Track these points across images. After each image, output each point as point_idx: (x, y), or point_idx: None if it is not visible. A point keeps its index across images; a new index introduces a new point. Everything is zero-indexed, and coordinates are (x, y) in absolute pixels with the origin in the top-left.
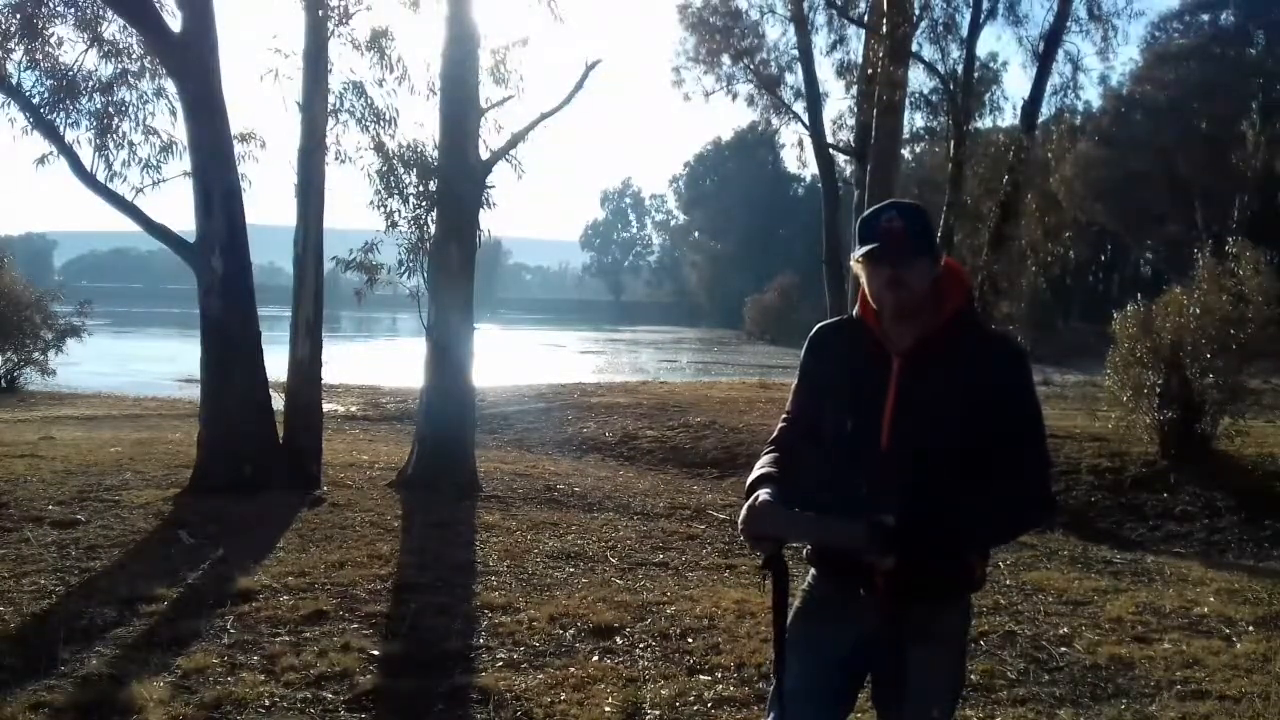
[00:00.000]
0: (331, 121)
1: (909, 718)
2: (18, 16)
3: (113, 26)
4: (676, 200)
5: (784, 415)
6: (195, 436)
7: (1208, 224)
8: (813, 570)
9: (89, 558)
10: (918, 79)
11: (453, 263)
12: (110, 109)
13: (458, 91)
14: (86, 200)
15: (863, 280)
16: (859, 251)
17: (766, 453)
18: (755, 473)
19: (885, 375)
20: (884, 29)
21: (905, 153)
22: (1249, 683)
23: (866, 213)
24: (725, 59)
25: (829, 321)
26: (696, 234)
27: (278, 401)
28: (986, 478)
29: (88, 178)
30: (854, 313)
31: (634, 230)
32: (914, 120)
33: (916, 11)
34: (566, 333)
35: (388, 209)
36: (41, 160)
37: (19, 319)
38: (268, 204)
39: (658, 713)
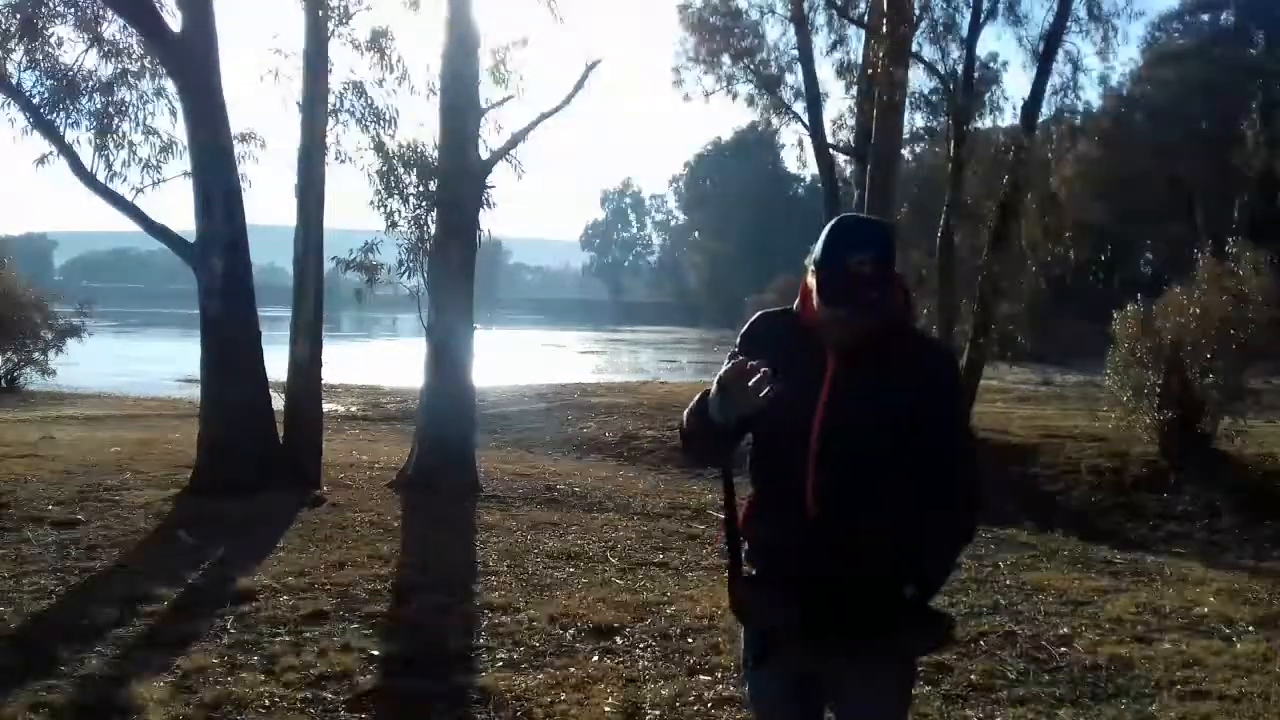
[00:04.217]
0: (331, 121)
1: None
2: (18, 16)
3: (113, 26)
4: (677, 200)
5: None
6: (195, 437)
7: (1208, 224)
8: (742, 630)
9: (89, 558)
10: (918, 79)
11: (453, 263)
12: (110, 109)
13: (458, 91)
14: (86, 200)
15: (811, 282)
16: (820, 292)
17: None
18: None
19: (820, 372)
20: (884, 29)
21: (905, 153)
22: (1249, 683)
23: (836, 233)
24: (725, 59)
25: (770, 310)
26: (697, 234)
27: (278, 401)
28: (909, 482)
29: (88, 178)
30: (794, 306)
31: (634, 230)
32: (914, 120)
33: (916, 12)
34: (566, 333)
35: (388, 209)
36: (41, 160)
37: (19, 319)
38: (268, 204)
39: (658, 713)
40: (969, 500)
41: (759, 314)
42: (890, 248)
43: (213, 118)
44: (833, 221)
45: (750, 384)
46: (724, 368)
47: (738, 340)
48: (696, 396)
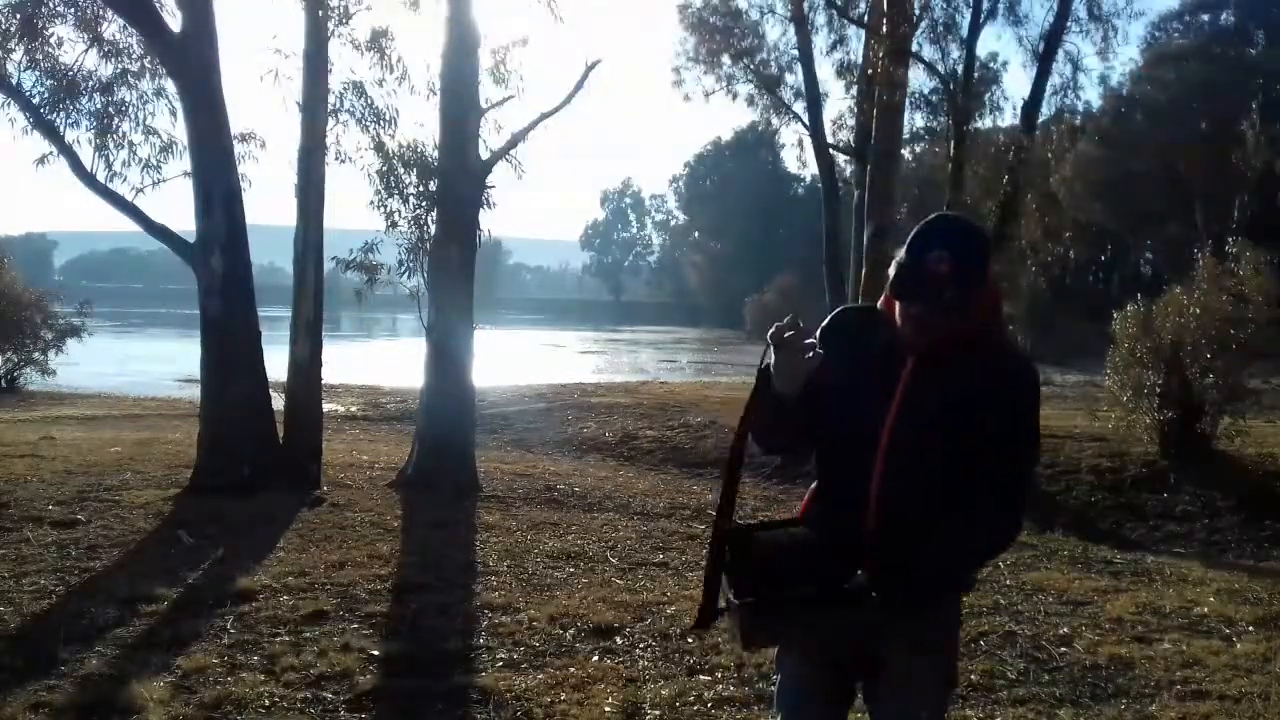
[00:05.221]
0: (331, 121)
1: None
2: (18, 16)
3: (113, 26)
4: (676, 200)
5: None
6: (195, 436)
7: (1208, 224)
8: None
9: (89, 558)
10: (918, 79)
11: (453, 263)
12: (110, 109)
13: (458, 92)
14: (86, 200)
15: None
16: (893, 285)
17: None
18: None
19: (897, 373)
20: (884, 29)
21: (905, 153)
22: (1249, 683)
23: (923, 228)
24: (725, 59)
25: (854, 305)
26: (696, 234)
27: (278, 401)
28: (966, 494)
29: (88, 178)
30: (879, 304)
31: (634, 230)
32: (914, 120)
33: (916, 12)
34: (566, 333)
35: (388, 209)
36: (41, 160)
37: (19, 319)
38: (268, 204)
39: (658, 713)
40: (998, 515)
41: (841, 308)
42: (973, 250)
43: (213, 118)
44: (928, 217)
45: (796, 342)
46: (774, 329)
47: (818, 334)
48: (756, 377)
